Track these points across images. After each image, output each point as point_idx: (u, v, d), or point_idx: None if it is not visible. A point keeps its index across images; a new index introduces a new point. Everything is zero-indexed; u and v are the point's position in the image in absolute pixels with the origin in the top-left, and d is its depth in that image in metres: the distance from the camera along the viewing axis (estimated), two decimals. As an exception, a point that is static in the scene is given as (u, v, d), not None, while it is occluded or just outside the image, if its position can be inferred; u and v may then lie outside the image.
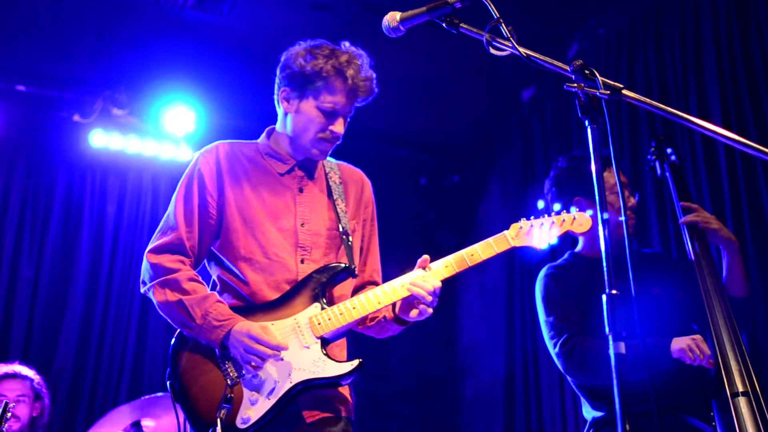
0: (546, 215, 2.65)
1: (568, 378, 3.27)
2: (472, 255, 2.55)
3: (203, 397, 2.40)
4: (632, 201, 3.36)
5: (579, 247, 3.46)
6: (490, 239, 2.58)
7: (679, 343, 2.95)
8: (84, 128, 6.12)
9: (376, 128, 6.89)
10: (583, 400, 3.26)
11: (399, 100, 6.51)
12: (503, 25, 2.01)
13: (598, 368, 2.99)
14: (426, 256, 2.55)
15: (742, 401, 2.80)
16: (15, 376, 4.45)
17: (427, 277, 2.50)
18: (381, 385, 6.94)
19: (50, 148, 6.23)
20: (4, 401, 3.68)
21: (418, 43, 5.47)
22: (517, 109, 6.59)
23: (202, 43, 5.66)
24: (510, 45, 1.99)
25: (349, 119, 2.67)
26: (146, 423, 3.92)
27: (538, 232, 2.60)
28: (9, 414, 3.63)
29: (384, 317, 2.66)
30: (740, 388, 2.83)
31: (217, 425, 2.29)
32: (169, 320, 2.53)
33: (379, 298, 2.51)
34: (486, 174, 7.11)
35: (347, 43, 2.67)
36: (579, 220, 2.66)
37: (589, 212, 3.29)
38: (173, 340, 2.54)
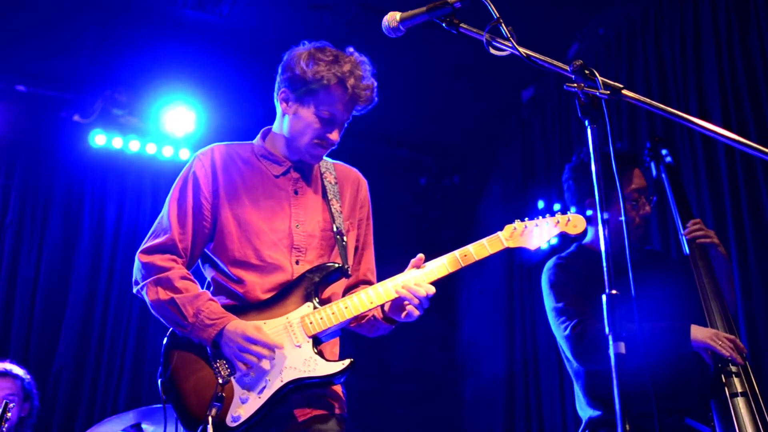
0: (540, 216, 2.65)
1: (575, 362, 3.16)
2: (465, 255, 2.55)
3: (194, 395, 2.41)
4: (646, 208, 3.29)
5: (587, 239, 3.42)
6: (484, 240, 2.59)
7: (702, 333, 2.93)
8: (84, 128, 6.13)
9: (376, 128, 6.89)
10: (580, 397, 3.24)
11: (399, 99, 6.51)
12: (503, 25, 2.01)
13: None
14: (421, 255, 2.56)
15: (741, 401, 2.80)
16: (5, 374, 4.42)
17: (421, 281, 2.49)
18: (381, 385, 6.94)
19: (50, 148, 6.23)
20: (5, 401, 3.67)
21: (418, 43, 5.47)
22: (517, 109, 6.59)
23: (202, 44, 5.66)
24: (510, 45, 1.99)
25: (346, 125, 2.68)
26: (146, 426, 3.92)
27: (532, 234, 2.61)
28: (9, 414, 3.62)
29: (374, 316, 2.67)
30: (739, 389, 2.83)
31: (207, 423, 2.29)
32: (161, 319, 2.54)
33: (372, 299, 2.52)
34: (486, 174, 7.11)
35: (351, 48, 2.66)
36: (573, 221, 2.66)
37: (590, 213, 3.30)
38: (165, 339, 2.55)
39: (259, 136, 2.80)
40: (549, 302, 3.26)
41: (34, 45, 5.69)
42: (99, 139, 6.12)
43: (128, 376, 6.03)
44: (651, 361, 2.86)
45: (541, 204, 6.13)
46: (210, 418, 2.30)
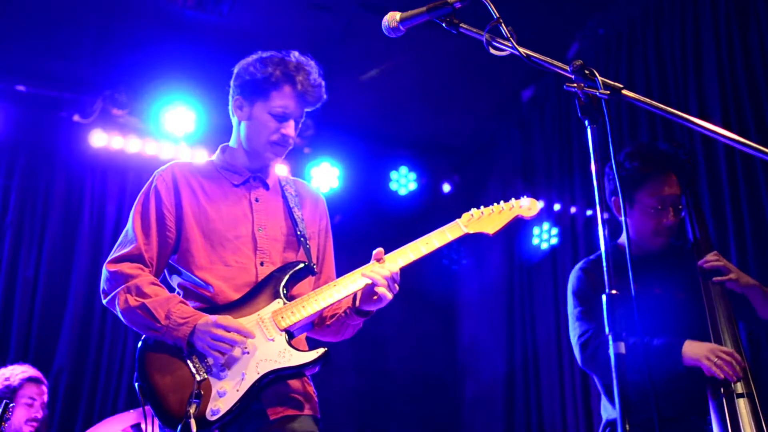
0: (496, 203, 2.79)
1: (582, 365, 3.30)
2: (428, 243, 2.66)
3: (172, 394, 2.45)
4: (670, 217, 3.15)
5: (621, 239, 3.39)
6: (444, 227, 2.71)
7: (695, 350, 2.89)
8: (84, 128, 6.13)
9: (376, 128, 6.89)
10: (603, 397, 3.28)
11: (399, 100, 6.52)
12: (503, 25, 2.01)
13: (609, 365, 2.98)
14: (380, 249, 2.63)
15: (741, 403, 2.79)
16: (38, 380, 4.47)
17: (384, 264, 2.57)
18: (381, 385, 6.94)
19: (50, 148, 6.23)
20: (5, 401, 3.68)
21: (418, 44, 5.47)
22: (517, 109, 6.59)
23: (202, 43, 5.66)
24: (510, 45, 1.99)
25: (300, 124, 2.77)
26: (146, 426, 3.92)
27: (489, 219, 2.75)
28: (9, 414, 3.62)
29: (345, 312, 2.71)
30: (740, 390, 2.82)
31: (190, 420, 2.34)
32: (132, 326, 2.57)
33: (339, 289, 2.59)
34: (486, 174, 7.11)
35: (296, 53, 2.77)
36: (528, 204, 2.82)
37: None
38: (139, 343, 2.59)
39: (218, 151, 2.89)
40: (569, 307, 3.36)
41: (34, 45, 5.69)
42: (99, 139, 6.13)
43: (128, 376, 6.04)
44: (653, 377, 2.84)
45: (540, 204, 6.12)
46: (192, 415, 2.35)
